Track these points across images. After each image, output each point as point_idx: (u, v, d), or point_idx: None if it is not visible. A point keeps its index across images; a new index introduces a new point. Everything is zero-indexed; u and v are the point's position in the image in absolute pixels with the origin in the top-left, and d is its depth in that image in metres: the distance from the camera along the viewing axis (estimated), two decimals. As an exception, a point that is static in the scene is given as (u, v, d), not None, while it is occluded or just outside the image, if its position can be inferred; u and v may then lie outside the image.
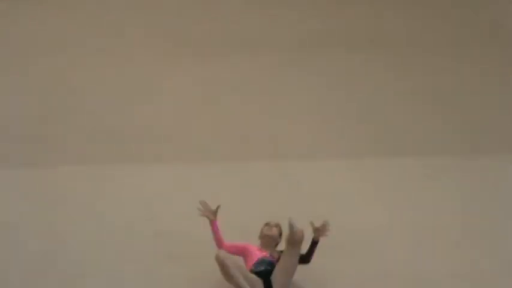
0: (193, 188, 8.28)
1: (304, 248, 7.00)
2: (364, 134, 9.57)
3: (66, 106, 9.95)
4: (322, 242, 7.44)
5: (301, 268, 7.22)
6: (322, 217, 7.77)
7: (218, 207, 7.12)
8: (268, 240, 7.24)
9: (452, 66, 10.64)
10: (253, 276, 6.82)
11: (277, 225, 7.35)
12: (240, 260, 6.99)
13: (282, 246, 7.15)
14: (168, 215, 8.09)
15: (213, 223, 7.04)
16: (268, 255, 7.12)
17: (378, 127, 9.72)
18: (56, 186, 8.68)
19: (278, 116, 9.81)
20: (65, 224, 8.07)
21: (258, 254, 7.10)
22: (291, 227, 6.80)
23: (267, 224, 7.36)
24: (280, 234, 7.34)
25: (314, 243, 7.03)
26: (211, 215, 7.09)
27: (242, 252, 7.15)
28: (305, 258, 7.06)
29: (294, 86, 10.23)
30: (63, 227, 8.04)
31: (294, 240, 6.81)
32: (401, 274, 7.52)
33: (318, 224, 7.03)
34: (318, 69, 10.54)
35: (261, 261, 6.99)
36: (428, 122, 9.76)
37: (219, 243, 7.12)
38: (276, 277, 6.82)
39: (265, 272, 6.90)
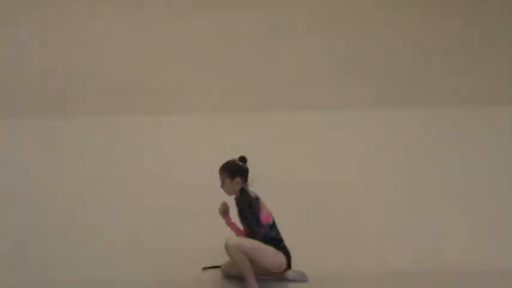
0: (211, 139, 8.31)
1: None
2: (376, 86, 9.61)
3: (85, 58, 10.03)
4: (338, 198, 7.65)
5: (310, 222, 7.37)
6: (335, 169, 7.86)
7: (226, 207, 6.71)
8: None
9: (464, 20, 10.69)
10: None
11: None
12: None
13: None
14: (186, 168, 8.09)
15: (231, 225, 6.65)
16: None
17: (389, 79, 9.78)
18: (74, 137, 8.72)
19: (290, 66, 9.85)
20: (83, 176, 8.10)
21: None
22: None
23: None
24: None
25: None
26: (226, 214, 6.67)
27: None
28: None
29: (306, 38, 10.27)
30: (82, 179, 8.06)
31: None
32: (414, 230, 7.51)
33: None
34: (329, 21, 10.57)
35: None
36: (440, 73, 9.82)
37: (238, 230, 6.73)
38: None
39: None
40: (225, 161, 6.55)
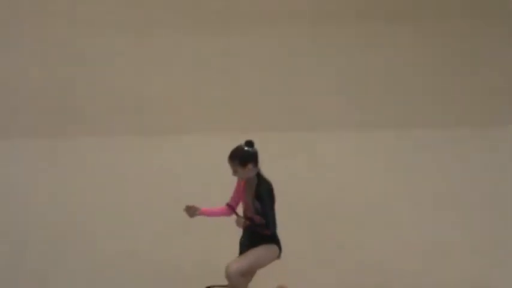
0: (211, 158, 8.27)
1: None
2: (380, 106, 9.67)
3: (85, 77, 10.04)
4: (340, 213, 7.62)
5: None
6: (340, 187, 7.88)
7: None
8: None
9: (468, 37, 10.70)
10: None
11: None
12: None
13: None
14: (186, 185, 8.12)
15: (202, 212, 6.50)
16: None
17: (394, 98, 9.83)
18: (75, 156, 8.76)
19: (294, 88, 9.87)
20: (84, 193, 8.13)
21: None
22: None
23: None
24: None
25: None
26: (196, 211, 6.52)
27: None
28: None
29: (312, 59, 10.29)
30: (82, 196, 8.08)
31: None
32: (420, 243, 7.58)
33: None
34: (333, 41, 10.60)
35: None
36: (445, 93, 9.86)
37: (217, 212, 6.58)
38: None
39: None
40: (233, 149, 6.34)
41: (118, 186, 8.23)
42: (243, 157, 6.26)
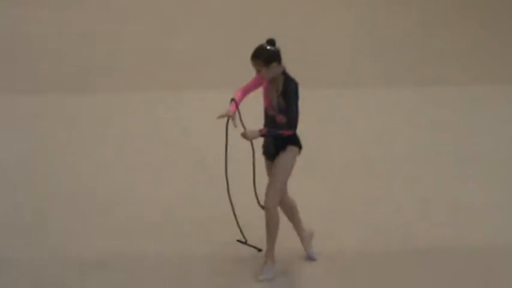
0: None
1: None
2: (401, 63, 9.68)
3: (109, 31, 10.11)
4: (362, 171, 7.71)
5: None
6: (363, 144, 7.94)
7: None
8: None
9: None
10: None
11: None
12: None
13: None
14: (206, 142, 8.10)
15: (237, 101, 6.26)
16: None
17: (416, 56, 9.87)
18: (95, 112, 8.78)
19: (313, 41, 9.86)
20: (105, 150, 8.15)
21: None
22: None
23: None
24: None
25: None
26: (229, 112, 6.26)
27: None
28: None
29: (332, 14, 10.26)
30: (103, 153, 8.10)
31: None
32: (440, 200, 7.56)
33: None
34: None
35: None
36: (465, 52, 9.90)
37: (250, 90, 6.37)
38: None
39: None
40: (255, 49, 6.19)
41: (138, 141, 8.23)
42: (267, 56, 6.14)
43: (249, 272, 6.50)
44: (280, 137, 6.26)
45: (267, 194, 6.33)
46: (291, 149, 6.28)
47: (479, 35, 10.46)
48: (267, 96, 6.26)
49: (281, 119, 6.22)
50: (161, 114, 8.68)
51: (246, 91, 6.32)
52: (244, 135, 6.20)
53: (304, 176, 7.44)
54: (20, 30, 10.15)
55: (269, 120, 6.28)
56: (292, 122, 6.18)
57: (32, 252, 6.73)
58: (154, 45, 10.02)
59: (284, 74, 6.20)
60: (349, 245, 6.91)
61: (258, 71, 6.17)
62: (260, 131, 6.19)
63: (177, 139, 8.27)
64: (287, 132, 6.21)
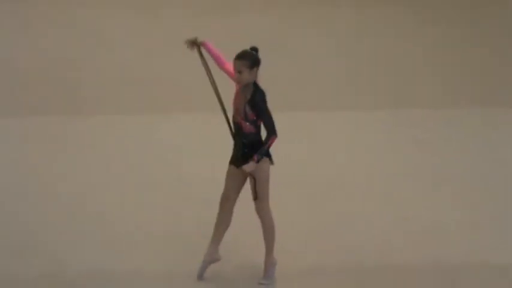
0: (215, 136, 8.19)
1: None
2: (378, 87, 9.78)
3: (97, 57, 10.17)
4: (339, 190, 7.76)
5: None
6: (340, 166, 8.01)
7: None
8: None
9: (470, 21, 10.85)
10: None
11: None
12: None
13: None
14: (193, 162, 8.21)
15: (204, 44, 6.44)
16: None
17: (392, 80, 9.96)
18: (84, 135, 8.84)
19: (296, 68, 9.98)
20: (93, 170, 8.20)
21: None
22: None
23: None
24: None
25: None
26: (196, 41, 6.45)
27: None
28: None
29: (314, 40, 10.35)
30: (91, 174, 8.16)
31: None
32: (419, 220, 7.63)
33: None
34: (334, 24, 10.70)
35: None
36: (444, 75, 9.99)
37: (220, 61, 6.46)
38: None
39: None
40: (242, 52, 6.32)
41: (125, 162, 8.32)
42: (253, 59, 6.28)
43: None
44: (249, 146, 6.32)
45: (257, 210, 6.47)
46: (264, 161, 6.37)
47: (456, 59, 10.53)
48: (235, 101, 6.35)
49: (247, 126, 6.32)
50: (148, 136, 8.75)
51: (220, 57, 6.45)
52: (245, 170, 6.34)
53: (283, 194, 7.48)
54: (8, 55, 10.25)
55: (236, 128, 6.37)
56: (271, 128, 6.27)
57: (24, 271, 6.77)
58: (141, 70, 10.10)
59: (254, 83, 6.31)
60: (325, 263, 6.95)
61: (239, 72, 6.23)
62: (253, 159, 6.30)
63: (164, 159, 8.33)
64: (273, 141, 6.28)
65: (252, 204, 6.52)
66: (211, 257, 6.57)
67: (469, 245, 7.27)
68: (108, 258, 6.96)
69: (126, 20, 10.70)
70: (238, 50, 6.41)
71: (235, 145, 6.45)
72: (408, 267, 6.94)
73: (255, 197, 6.45)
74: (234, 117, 6.38)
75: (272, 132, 6.29)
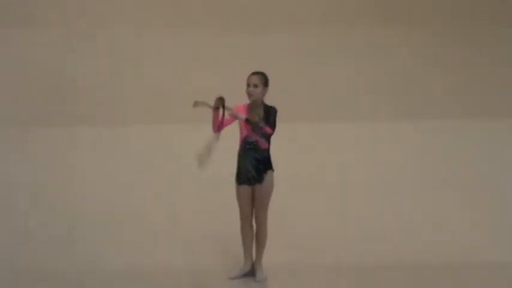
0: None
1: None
2: (388, 98, 9.94)
3: (128, 72, 10.38)
4: (353, 193, 8.01)
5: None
6: (353, 170, 8.24)
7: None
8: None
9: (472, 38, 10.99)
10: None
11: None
12: None
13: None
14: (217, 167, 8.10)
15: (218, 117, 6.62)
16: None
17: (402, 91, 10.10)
18: (122, 142, 9.06)
19: (315, 81, 10.16)
20: (129, 174, 8.45)
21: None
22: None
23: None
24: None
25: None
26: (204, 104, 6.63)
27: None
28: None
29: (332, 59, 10.53)
30: (128, 177, 8.40)
31: None
32: (424, 219, 7.84)
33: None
34: (352, 41, 10.86)
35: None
36: (450, 87, 10.12)
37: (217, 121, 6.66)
38: None
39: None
40: (257, 71, 6.65)
41: (158, 167, 8.47)
42: (266, 78, 6.67)
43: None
44: (263, 162, 6.65)
45: (258, 216, 6.76)
46: (271, 174, 6.72)
47: (466, 70, 10.58)
48: (246, 125, 6.60)
49: (263, 143, 6.65)
50: (176, 144, 8.93)
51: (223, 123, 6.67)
52: (232, 113, 6.56)
53: (302, 197, 7.83)
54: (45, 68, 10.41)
55: (251, 147, 6.64)
56: (272, 125, 6.58)
57: (63, 266, 7.00)
58: (168, 83, 10.23)
59: (263, 102, 6.68)
60: (339, 260, 7.15)
61: (255, 86, 6.58)
62: (247, 119, 6.54)
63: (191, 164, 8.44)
64: (267, 130, 6.55)
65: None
66: (246, 267, 6.88)
67: (472, 244, 7.44)
68: (139, 254, 7.19)
69: (154, 38, 10.88)
70: (253, 69, 6.79)
71: (243, 165, 6.70)
72: (416, 264, 7.13)
73: (264, 208, 6.74)
74: (247, 137, 6.64)
75: (272, 126, 6.59)
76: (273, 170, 6.77)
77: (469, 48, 10.92)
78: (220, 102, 6.59)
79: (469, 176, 8.56)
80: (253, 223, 6.88)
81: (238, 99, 6.72)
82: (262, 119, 6.62)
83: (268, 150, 6.70)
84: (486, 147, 9.14)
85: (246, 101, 6.68)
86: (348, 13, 11.42)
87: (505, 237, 7.61)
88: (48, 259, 7.11)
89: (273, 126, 6.65)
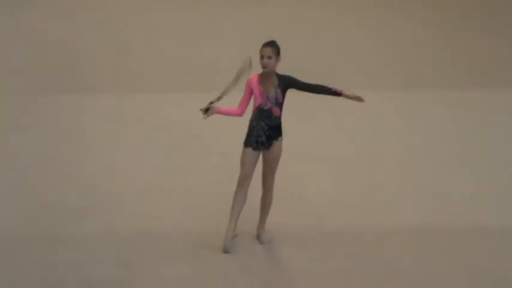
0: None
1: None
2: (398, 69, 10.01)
3: (143, 41, 10.46)
4: (360, 164, 8.13)
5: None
6: (358, 141, 8.36)
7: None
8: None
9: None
10: None
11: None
12: None
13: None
14: (231, 140, 8.13)
15: (218, 110, 6.79)
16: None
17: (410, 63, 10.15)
18: (132, 110, 9.11)
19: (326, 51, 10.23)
20: (140, 141, 8.51)
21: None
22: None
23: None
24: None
25: (337, 93, 6.73)
26: (213, 110, 6.78)
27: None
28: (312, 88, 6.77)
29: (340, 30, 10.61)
30: (139, 144, 8.48)
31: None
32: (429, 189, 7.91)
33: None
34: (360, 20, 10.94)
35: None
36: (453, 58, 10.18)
37: (234, 113, 6.85)
38: None
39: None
40: (270, 40, 6.72)
41: (169, 134, 8.56)
42: (278, 48, 6.74)
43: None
44: (274, 129, 6.77)
45: (266, 180, 6.89)
46: (280, 140, 6.86)
47: (475, 42, 10.62)
48: (261, 94, 6.72)
49: (276, 111, 6.76)
50: (187, 114, 8.71)
51: (244, 103, 6.84)
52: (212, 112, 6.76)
53: (309, 165, 7.94)
54: (65, 40, 10.48)
55: (264, 114, 6.75)
56: (307, 84, 6.71)
57: (78, 230, 7.16)
58: (182, 54, 10.27)
59: (275, 71, 6.76)
60: (347, 227, 7.27)
61: (269, 58, 6.64)
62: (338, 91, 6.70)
63: (200, 136, 8.57)
64: (340, 91, 6.70)
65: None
66: (233, 233, 6.93)
67: (472, 210, 7.60)
68: (152, 220, 7.32)
69: (166, 10, 10.95)
70: (264, 39, 6.85)
71: (255, 130, 6.80)
72: (420, 230, 7.28)
73: (271, 173, 6.88)
74: (261, 106, 6.76)
75: (308, 84, 6.71)
76: (282, 137, 6.90)
77: (479, 20, 10.96)
78: (209, 107, 6.79)
79: (477, 149, 8.65)
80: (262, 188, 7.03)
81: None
82: (277, 89, 6.71)
83: (280, 117, 6.82)
84: (495, 117, 9.22)
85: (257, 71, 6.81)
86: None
87: (503, 204, 7.76)
88: (65, 225, 7.27)
89: (307, 84, 6.72)
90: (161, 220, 7.35)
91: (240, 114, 6.88)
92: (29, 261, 6.73)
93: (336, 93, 6.75)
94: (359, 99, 6.79)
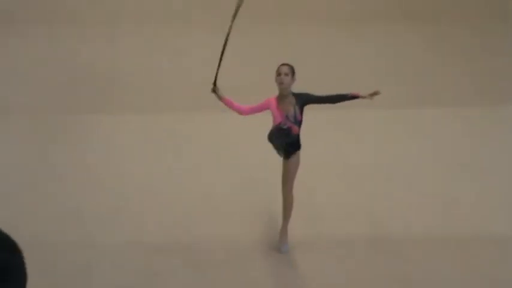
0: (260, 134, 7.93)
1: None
2: (408, 87, 9.93)
3: (167, 64, 10.41)
4: (370, 173, 8.12)
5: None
6: (373, 152, 8.38)
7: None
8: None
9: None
10: None
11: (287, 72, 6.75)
12: None
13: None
14: (252, 154, 8.35)
15: (224, 100, 6.76)
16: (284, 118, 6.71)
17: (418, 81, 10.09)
18: (161, 127, 9.06)
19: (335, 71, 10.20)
20: (166, 157, 8.51)
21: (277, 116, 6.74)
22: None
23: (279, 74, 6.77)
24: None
25: (354, 96, 6.69)
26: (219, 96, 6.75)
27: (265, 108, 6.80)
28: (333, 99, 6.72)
29: (346, 53, 10.55)
30: (165, 159, 8.47)
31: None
32: (438, 197, 7.91)
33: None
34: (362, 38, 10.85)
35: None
36: (458, 77, 10.12)
37: (238, 109, 6.81)
38: None
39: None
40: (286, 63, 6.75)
41: (182, 156, 8.56)
42: (294, 69, 6.81)
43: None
44: (292, 145, 6.79)
45: (283, 190, 6.93)
46: (298, 153, 6.88)
47: (483, 58, 10.54)
48: (280, 113, 6.74)
49: (296, 129, 6.77)
50: (214, 129, 8.99)
51: (253, 109, 6.85)
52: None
53: (322, 175, 7.99)
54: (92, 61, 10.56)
55: (283, 133, 6.77)
56: (324, 97, 6.69)
57: (109, 239, 7.22)
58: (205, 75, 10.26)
59: (291, 91, 6.78)
60: (356, 233, 7.27)
61: (286, 75, 6.70)
62: (358, 95, 6.63)
63: (227, 149, 8.63)
64: (356, 94, 6.67)
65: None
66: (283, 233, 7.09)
67: (480, 219, 7.58)
68: (179, 229, 7.37)
69: (182, 36, 10.95)
70: (277, 62, 6.95)
71: (274, 144, 6.86)
72: (430, 238, 7.29)
73: (287, 182, 6.91)
74: (280, 125, 6.76)
75: (325, 96, 6.69)
76: (300, 150, 6.93)
77: (481, 40, 10.92)
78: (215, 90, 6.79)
79: (484, 160, 8.60)
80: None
81: (266, 92, 6.95)
82: (296, 107, 6.72)
83: (298, 134, 6.84)
84: (500, 133, 9.18)
85: (272, 94, 6.90)
86: (367, 11, 11.45)
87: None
88: (97, 232, 7.37)
89: (324, 96, 6.71)
90: (189, 229, 7.43)
91: (243, 113, 6.84)
92: (61, 269, 6.85)
93: (354, 97, 6.71)
94: (375, 93, 6.71)
